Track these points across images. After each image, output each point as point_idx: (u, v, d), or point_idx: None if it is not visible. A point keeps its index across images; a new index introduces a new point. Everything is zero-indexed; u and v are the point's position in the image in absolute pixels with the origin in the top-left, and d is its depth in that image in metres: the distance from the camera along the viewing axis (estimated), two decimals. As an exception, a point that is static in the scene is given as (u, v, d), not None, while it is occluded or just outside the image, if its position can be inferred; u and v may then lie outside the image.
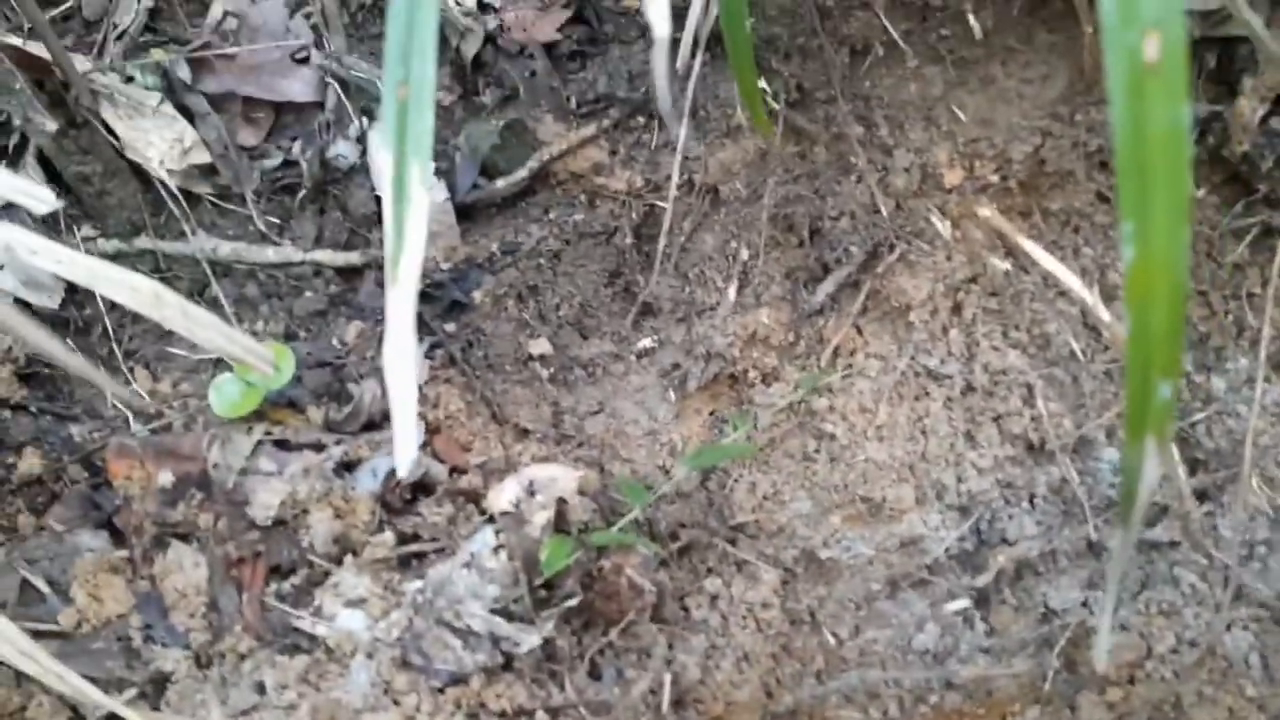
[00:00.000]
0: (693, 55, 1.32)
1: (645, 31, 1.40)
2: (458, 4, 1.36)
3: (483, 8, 1.40)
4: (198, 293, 1.31)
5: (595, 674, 1.07)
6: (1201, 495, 1.41)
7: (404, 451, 0.58)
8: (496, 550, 1.01)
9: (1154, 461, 0.50)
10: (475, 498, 1.15)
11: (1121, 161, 0.45)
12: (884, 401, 1.38)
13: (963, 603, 1.39)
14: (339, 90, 1.32)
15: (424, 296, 1.31)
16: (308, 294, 1.31)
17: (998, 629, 1.39)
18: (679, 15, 1.34)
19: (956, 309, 1.40)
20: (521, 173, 1.35)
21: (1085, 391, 1.40)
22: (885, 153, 1.36)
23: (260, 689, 1.00)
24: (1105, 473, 1.42)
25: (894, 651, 1.37)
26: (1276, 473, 1.41)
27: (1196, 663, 1.28)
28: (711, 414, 1.41)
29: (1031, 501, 1.40)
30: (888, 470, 1.37)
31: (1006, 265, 1.39)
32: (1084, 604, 1.40)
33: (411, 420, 0.57)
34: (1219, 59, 1.28)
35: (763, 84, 1.37)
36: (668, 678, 1.07)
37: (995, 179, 1.36)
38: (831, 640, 1.36)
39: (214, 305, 1.30)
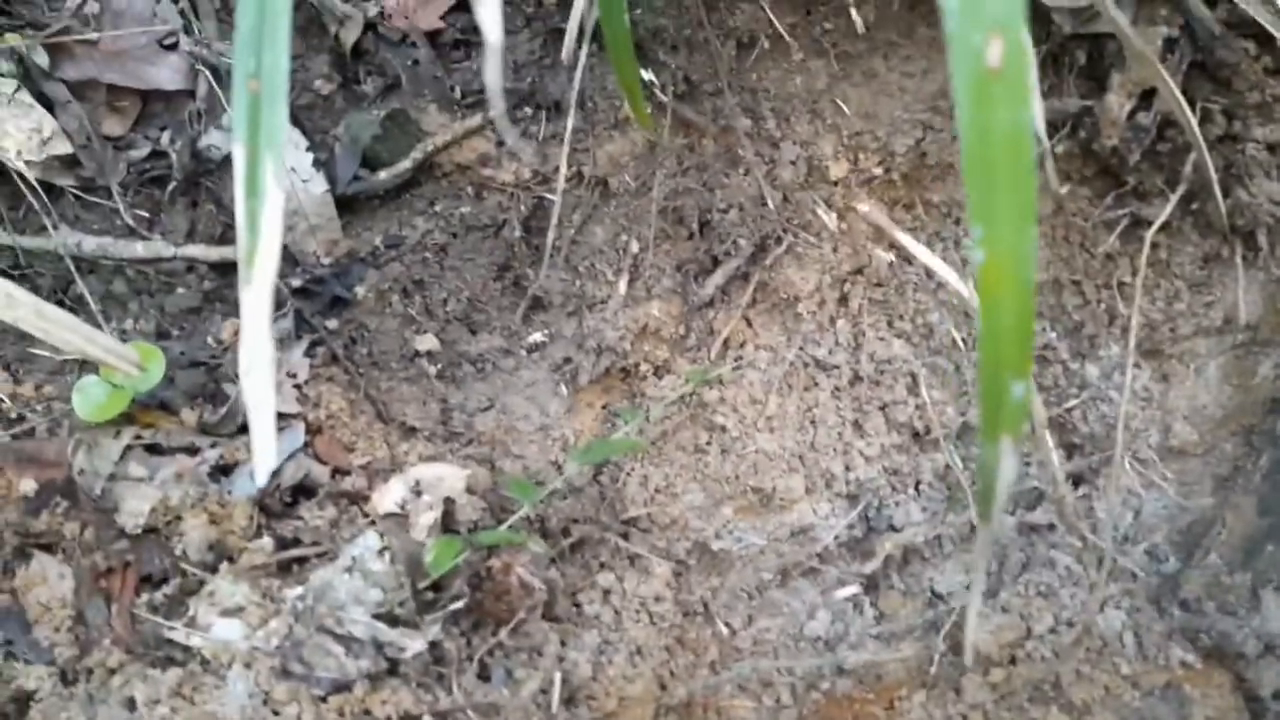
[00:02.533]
0: (579, 45, 1.31)
1: (531, 20, 1.38)
2: (335, -10, 1.32)
3: (363, -7, 1.36)
4: (62, 290, 1.25)
5: (485, 675, 1.05)
6: (1078, 479, 1.46)
7: (263, 461, 0.56)
8: (380, 553, 0.99)
9: (1009, 460, 0.51)
10: (359, 499, 1.12)
11: (968, 166, 0.45)
12: (773, 392, 1.39)
13: (852, 589, 1.41)
14: (210, 78, 1.27)
15: (304, 293, 1.27)
16: (180, 291, 1.26)
17: (886, 614, 1.42)
18: (565, 4, 1.33)
19: (843, 300, 1.41)
20: (405, 164, 1.32)
21: (967, 379, 1.43)
22: (772, 145, 1.37)
23: (130, 705, 0.95)
24: (987, 458, 1.46)
25: (786, 639, 1.38)
26: (1148, 454, 1.47)
27: (1074, 642, 1.32)
28: (604, 408, 1.40)
29: (917, 488, 1.43)
30: (778, 460, 1.38)
31: (890, 257, 1.41)
32: (968, 587, 1.44)
33: (270, 428, 0.55)
34: (1089, 55, 1.32)
35: (649, 76, 1.36)
36: (558, 676, 1.06)
37: (879, 171, 1.38)
38: (725, 630, 1.37)
39: (80, 304, 1.24)
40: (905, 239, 1.34)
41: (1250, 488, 1.46)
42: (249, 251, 0.53)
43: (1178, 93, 1.21)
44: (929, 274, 1.41)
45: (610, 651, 1.21)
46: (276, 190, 0.53)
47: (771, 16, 1.35)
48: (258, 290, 0.53)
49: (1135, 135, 1.29)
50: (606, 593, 1.26)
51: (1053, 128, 1.34)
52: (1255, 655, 1.32)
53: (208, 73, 1.27)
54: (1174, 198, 1.32)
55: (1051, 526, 1.43)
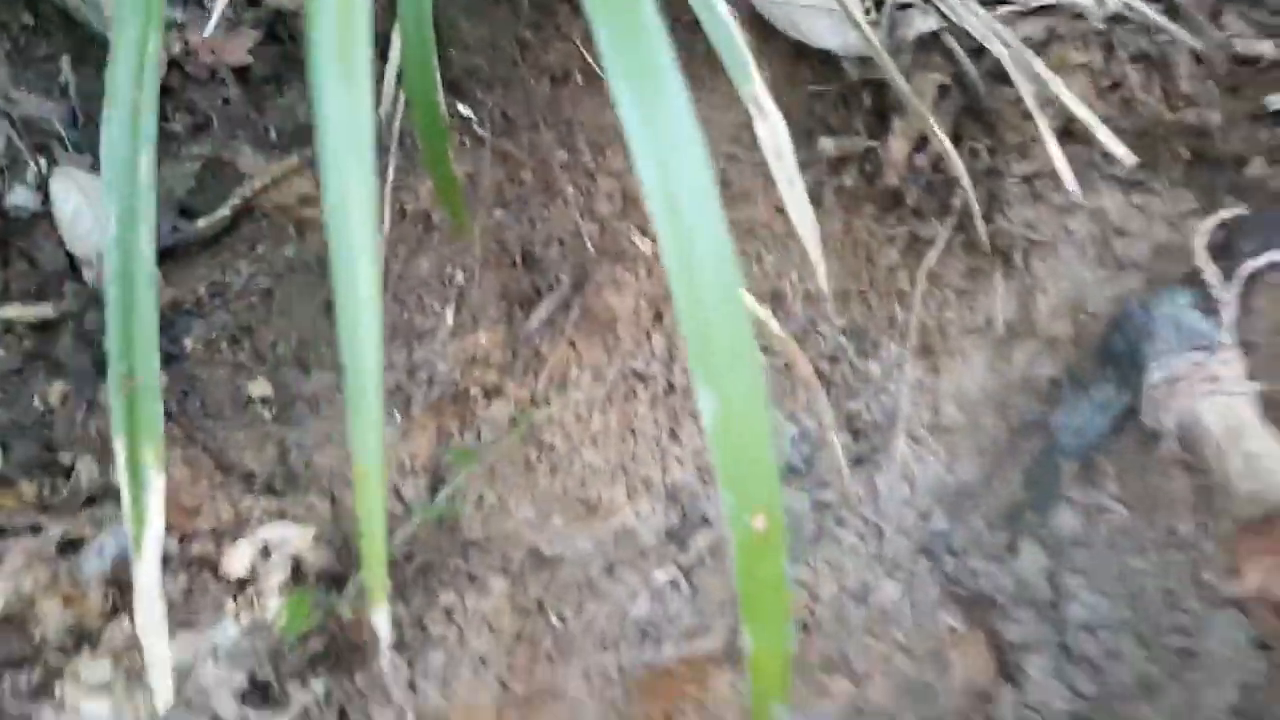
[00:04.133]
0: (396, 93, 1.33)
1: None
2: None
3: (165, 27, 1.32)
4: None
5: (345, 724, 1.16)
6: (860, 460, 1.66)
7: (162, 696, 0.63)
8: (239, 633, 1.06)
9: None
10: (210, 564, 1.18)
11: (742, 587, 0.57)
12: (597, 409, 1.50)
13: (671, 573, 1.58)
14: (9, 130, 1.23)
15: (132, 351, 1.27)
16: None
17: (701, 591, 1.60)
18: (382, 52, 1.34)
19: (658, 318, 1.53)
20: (223, 210, 1.32)
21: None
22: (589, 177, 1.44)
23: (1, 798, 1.01)
24: (785, 447, 1.64)
25: (613, 623, 1.54)
26: (921, 433, 1.68)
27: (857, 613, 1.53)
28: (438, 429, 1.48)
29: (726, 482, 1.59)
30: (602, 473, 1.51)
31: (700, 274, 1.53)
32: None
33: (166, 674, 0.62)
34: (874, 98, 1.44)
35: (468, 112, 1.40)
36: (411, 715, 1.17)
37: (688, 200, 1.47)
38: (557, 621, 1.51)
39: (-113, 374, 1.21)
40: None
41: (1019, 465, 1.70)
42: (137, 534, 0.59)
43: (947, 142, 1.36)
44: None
45: (455, 667, 1.34)
46: (158, 476, 0.58)
47: (584, 52, 1.40)
48: (148, 563, 0.59)
49: (914, 177, 1.43)
50: (449, 612, 1.37)
51: (841, 162, 1.47)
52: (1007, 600, 1.57)
53: (6, 124, 1.23)
54: (947, 224, 1.49)
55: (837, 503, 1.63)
